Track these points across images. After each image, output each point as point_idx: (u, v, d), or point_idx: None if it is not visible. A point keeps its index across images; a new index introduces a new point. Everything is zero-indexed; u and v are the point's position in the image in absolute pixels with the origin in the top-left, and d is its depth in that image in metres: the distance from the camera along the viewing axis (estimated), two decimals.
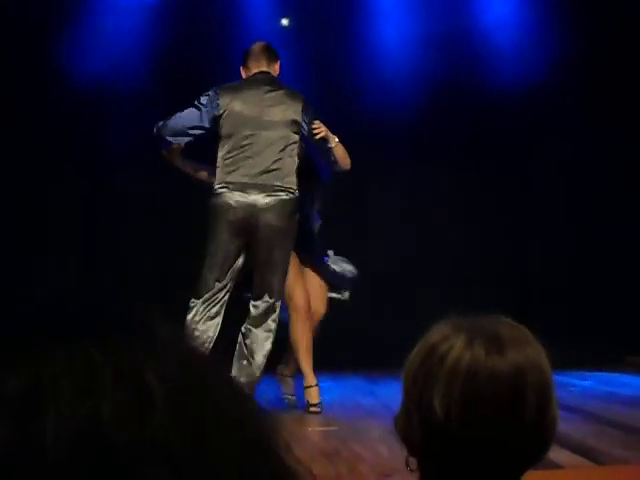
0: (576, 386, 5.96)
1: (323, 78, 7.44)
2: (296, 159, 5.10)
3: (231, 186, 4.98)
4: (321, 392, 6.01)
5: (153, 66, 7.40)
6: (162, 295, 6.46)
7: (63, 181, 7.48)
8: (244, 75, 5.36)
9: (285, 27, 7.85)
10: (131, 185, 7.46)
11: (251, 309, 5.06)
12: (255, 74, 5.30)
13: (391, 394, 5.69)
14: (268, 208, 4.95)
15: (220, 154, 5.08)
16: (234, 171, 5.01)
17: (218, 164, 5.07)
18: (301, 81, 7.36)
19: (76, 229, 7.58)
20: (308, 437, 4.16)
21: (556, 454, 3.30)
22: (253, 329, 5.03)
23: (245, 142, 5.05)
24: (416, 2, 7.78)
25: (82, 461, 0.44)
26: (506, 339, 1.28)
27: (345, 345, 7.28)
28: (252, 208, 4.95)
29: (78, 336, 0.48)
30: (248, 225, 4.96)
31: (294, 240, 5.09)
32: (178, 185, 7.54)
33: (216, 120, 5.09)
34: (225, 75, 7.45)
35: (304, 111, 5.17)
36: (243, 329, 5.06)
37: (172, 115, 5.17)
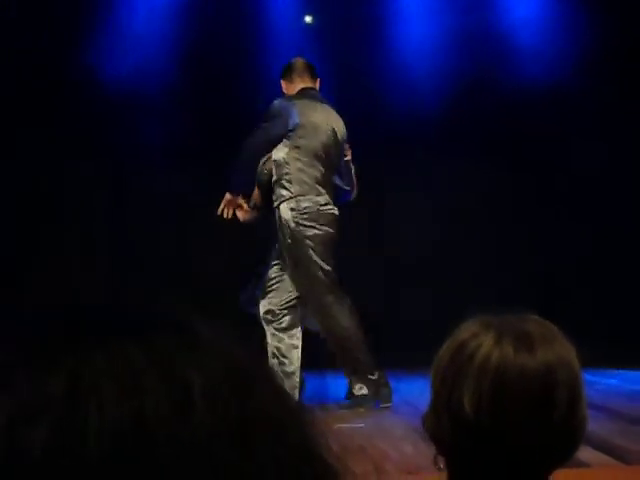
0: (602, 384, 5.93)
1: (346, 76, 7.43)
2: None
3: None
4: (347, 390, 6.01)
5: (178, 65, 7.43)
6: (190, 295, 6.50)
7: (89, 180, 7.53)
8: (288, 88, 5.51)
9: (309, 24, 7.86)
10: (157, 185, 7.50)
11: None
12: (305, 89, 5.44)
13: (415, 392, 5.69)
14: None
15: (296, 165, 5.21)
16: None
17: (291, 171, 5.18)
18: (324, 79, 7.37)
19: (102, 230, 7.63)
20: (334, 434, 4.15)
21: (582, 452, 3.27)
22: None
23: (319, 153, 5.23)
24: None
25: (124, 460, 0.44)
26: (535, 337, 1.28)
27: (369, 344, 7.27)
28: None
29: (118, 336, 0.49)
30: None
31: None
32: (204, 184, 7.60)
33: (291, 129, 5.22)
34: (249, 73, 7.50)
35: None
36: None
37: (256, 132, 5.26)
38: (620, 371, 6.64)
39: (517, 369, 1.24)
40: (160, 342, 0.49)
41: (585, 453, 3.35)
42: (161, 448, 0.45)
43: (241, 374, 0.50)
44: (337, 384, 6.19)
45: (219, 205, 5.41)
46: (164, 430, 0.45)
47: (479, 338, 1.27)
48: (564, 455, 1.28)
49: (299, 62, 5.59)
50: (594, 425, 3.85)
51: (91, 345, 0.48)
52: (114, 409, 0.45)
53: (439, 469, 1.29)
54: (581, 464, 3.22)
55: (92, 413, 0.45)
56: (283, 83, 5.57)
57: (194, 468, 0.45)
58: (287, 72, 5.55)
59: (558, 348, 1.28)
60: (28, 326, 0.51)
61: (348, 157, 5.46)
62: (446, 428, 1.26)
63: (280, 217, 5.29)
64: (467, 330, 1.30)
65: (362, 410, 5.15)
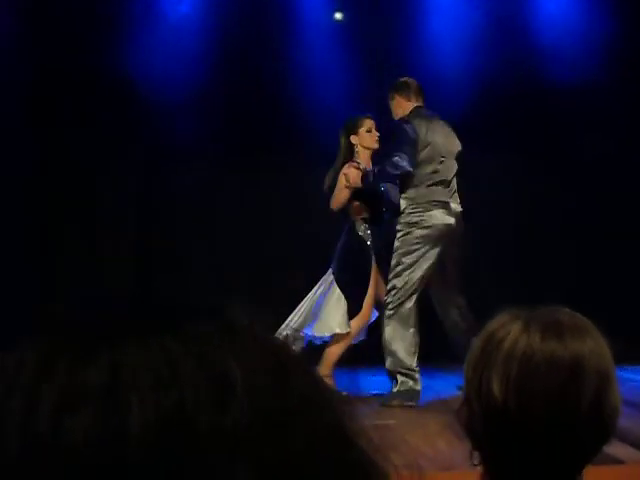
0: (636, 381, 5.88)
1: (376, 72, 7.42)
2: None
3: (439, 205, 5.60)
4: (375, 386, 6.02)
5: (208, 63, 7.46)
6: (220, 292, 6.53)
7: (120, 179, 7.59)
8: (403, 105, 5.82)
9: (338, 21, 7.86)
10: (184, 184, 7.54)
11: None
12: (419, 107, 5.82)
13: (448, 388, 5.68)
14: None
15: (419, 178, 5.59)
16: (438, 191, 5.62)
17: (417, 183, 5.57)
18: (354, 75, 7.37)
19: (129, 228, 7.68)
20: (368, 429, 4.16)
21: (616, 449, 3.27)
22: None
23: (438, 167, 5.62)
24: None
25: (165, 449, 0.45)
26: (566, 326, 1.28)
27: None
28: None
29: (155, 327, 0.49)
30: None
31: None
32: (233, 182, 7.64)
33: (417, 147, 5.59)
34: (279, 70, 7.51)
35: None
36: None
37: (396, 156, 5.49)
38: None
39: (544, 355, 1.25)
40: (196, 332, 0.50)
41: (619, 450, 3.33)
42: (202, 436, 0.46)
43: (277, 361, 0.51)
44: (380, 381, 6.20)
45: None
46: (204, 418, 0.46)
47: (507, 327, 1.29)
48: (594, 447, 1.28)
49: (412, 82, 5.94)
50: (628, 422, 3.83)
51: (129, 336, 0.49)
52: (154, 399, 0.46)
53: (474, 465, 1.29)
54: (615, 461, 3.21)
55: (133, 402, 0.46)
56: (399, 99, 5.86)
57: (234, 455, 0.46)
58: (404, 90, 5.89)
59: (589, 338, 1.28)
60: (67, 317, 0.52)
61: None
62: (478, 417, 1.27)
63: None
64: (497, 321, 1.32)
65: None
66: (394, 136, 5.68)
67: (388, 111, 6.38)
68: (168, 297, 0.54)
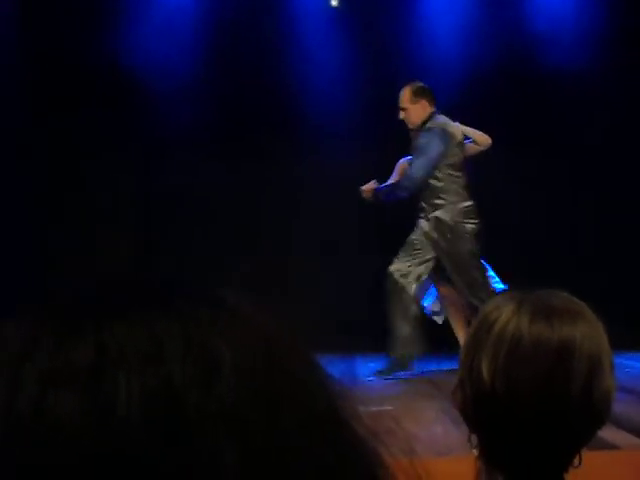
0: (632, 368, 5.90)
1: (372, 59, 7.40)
2: None
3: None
4: (372, 372, 6.03)
5: (203, 52, 7.43)
6: (216, 281, 6.51)
7: (115, 167, 7.56)
8: (425, 108, 6.14)
9: (335, 7, 7.83)
10: (182, 175, 7.52)
11: None
12: (437, 111, 6.17)
13: (443, 374, 5.70)
14: None
15: (454, 179, 6.12)
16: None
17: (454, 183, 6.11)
18: (350, 63, 7.35)
19: (129, 218, 7.67)
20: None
21: (613, 435, 3.28)
22: None
23: (463, 166, 6.20)
24: None
25: (152, 427, 0.45)
26: (557, 309, 1.28)
27: None
28: None
29: (142, 307, 0.49)
30: None
31: None
32: (230, 172, 7.62)
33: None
34: (275, 58, 7.48)
35: None
36: None
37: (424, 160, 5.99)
38: None
39: (531, 338, 1.24)
40: (185, 311, 0.49)
41: (615, 435, 3.34)
42: (189, 414, 0.45)
43: (269, 343, 0.50)
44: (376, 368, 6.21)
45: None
46: (191, 398, 0.45)
47: (500, 309, 1.29)
48: (587, 432, 1.27)
49: (428, 88, 6.25)
50: (624, 408, 3.84)
51: (116, 314, 0.48)
52: (140, 377, 0.46)
53: (472, 448, 1.29)
54: (611, 446, 3.22)
55: (119, 381, 0.45)
56: (425, 103, 6.11)
57: (221, 435, 0.46)
58: (427, 94, 6.18)
59: (581, 322, 1.27)
60: (54, 298, 0.51)
61: None
62: (469, 399, 1.27)
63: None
64: (492, 303, 1.32)
65: None
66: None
67: (381, 98, 6.39)
68: (166, 278, 0.54)
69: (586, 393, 1.23)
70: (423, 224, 6.09)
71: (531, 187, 7.81)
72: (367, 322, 6.31)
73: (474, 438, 1.29)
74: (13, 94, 7.26)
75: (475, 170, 7.36)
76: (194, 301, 0.50)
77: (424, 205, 6.10)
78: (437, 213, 6.05)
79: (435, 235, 6.05)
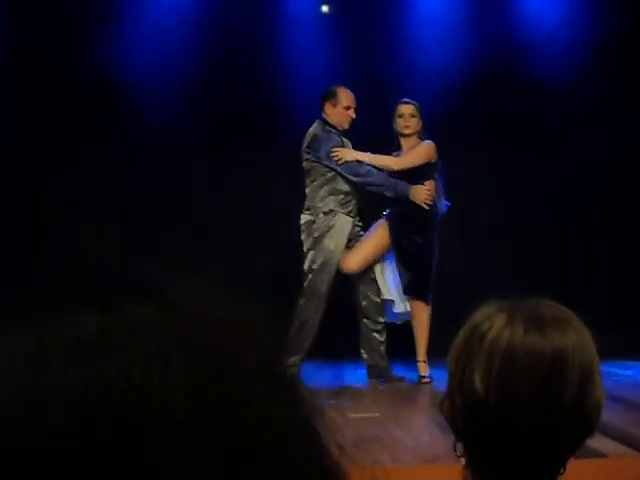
0: (619, 375, 5.91)
1: (363, 64, 7.41)
2: None
3: None
4: (360, 379, 6.04)
5: (193, 54, 7.41)
6: (202, 278, 6.49)
7: (98, 168, 7.54)
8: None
9: (325, 14, 7.84)
10: (166, 172, 7.51)
11: None
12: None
13: (433, 381, 5.71)
14: None
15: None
16: None
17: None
18: (340, 67, 7.35)
19: (111, 215, 7.65)
20: (350, 423, 4.18)
21: (599, 443, 3.29)
22: None
23: None
24: None
25: (85, 420, 0.44)
26: (548, 319, 1.28)
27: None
28: None
29: (79, 301, 0.48)
30: None
31: None
32: (216, 177, 7.62)
33: None
34: (265, 61, 7.49)
35: None
36: None
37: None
38: (637, 363, 6.62)
39: (526, 348, 1.24)
40: (126, 305, 0.48)
41: (602, 443, 3.35)
42: (123, 410, 0.44)
43: (221, 339, 0.48)
44: (361, 374, 6.21)
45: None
46: (125, 393, 0.45)
47: (491, 320, 1.28)
48: (577, 440, 1.27)
49: None
50: (611, 416, 3.85)
51: (48, 312, 0.48)
52: (65, 376, 0.45)
53: (458, 457, 1.29)
54: (598, 454, 3.22)
55: (53, 374, 0.45)
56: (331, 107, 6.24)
57: (160, 429, 0.44)
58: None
59: (571, 331, 1.27)
60: None
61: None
62: (459, 410, 1.26)
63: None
64: (481, 313, 1.31)
65: None
66: None
67: (371, 104, 6.41)
68: (111, 271, 0.53)
69: (578, 402, 1.24)
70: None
71: (517, 188, 7.83)
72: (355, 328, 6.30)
73: (460, 447, 1.29)
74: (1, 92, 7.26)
75: (460, 172, 7.42)
76: (139, 294, 0.49)
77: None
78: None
79: None
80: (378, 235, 6.13)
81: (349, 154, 6.10)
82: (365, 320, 6.14)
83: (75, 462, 0.44)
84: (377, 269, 6.18)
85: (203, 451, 0.45)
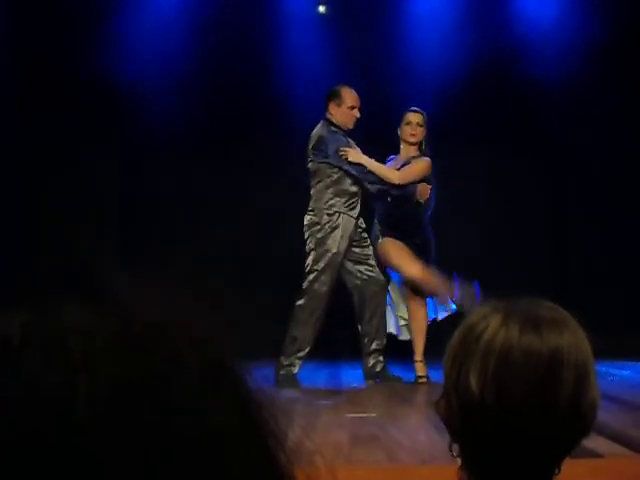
0: (615, 376, 5.92)
1: (359, 65, 7.41)
2: None
3: None
4: (357, 379, 6.04)
5: (191, 56, 7.42)
6: (201, 280, 6.51)
7: (99, 170, 7.54)
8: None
9: (322, 14, 7.85)
10: (166, 174, 7.51)
11: None
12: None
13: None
14: None
15: None
16: None
17: None
18: (337, 68, 7.36)
19: (113, 213, 7.65)
20: (346, 423, 4.18)
21: (595, 443, 3.29)
22: None
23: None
24: None
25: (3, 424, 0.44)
26: (544, 319, 1.28)
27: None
28: None
29: (10, 300, 0.48)
30: None
31: None
32: (214, 178, 7.62)
33: None
34: (262, 63, 7.49)
35: None
36: None
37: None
38: (634, 363, 6.63)
39: (522, 349, 1.24)
40: (49, 302, 0.47)
41: (598, 443, 3.35)
42: (29, 422, 0.43)
43: (156, 336, 0.47)
44: (358, 375, 6.21)
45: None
46: (37, 402, 0.44)
47: (487, 320, 1.28)
48: (573, 440, 1.28)
49: None
50: (608, 416, 3.86)
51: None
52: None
53: (454, 457, 1.29)
54: (595, 454, 3.23)
55: None
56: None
57: (73, 442, 0.43)
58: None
59: (567, 332, 1.28)
60: None
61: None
62: (455, 410, 1.26)
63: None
64: (477, 313, 1.31)
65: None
66: None
67: (368, 104, 6.42)
68: (50, 263, 0.52)
69: (574, 402, 1.24)
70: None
71: (516, 188, 7.84)
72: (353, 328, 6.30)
73: (455, 447, 1.29)
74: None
75: (459, 172, 7.42)
76: (62, 291, 0.48)
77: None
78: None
79: None
80: (394, 247, 6.13)
81: (356, 156, 6.09)
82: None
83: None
84: None
85: (133, 453, 0.44)
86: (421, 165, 6.19)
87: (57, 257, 0.52)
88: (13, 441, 0.43)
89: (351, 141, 6.17)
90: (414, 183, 6.14)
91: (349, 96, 6.17)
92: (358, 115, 6.18)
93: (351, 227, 6.08)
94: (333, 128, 6.13)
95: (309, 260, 6.03)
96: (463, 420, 1.26)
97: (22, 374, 0.44)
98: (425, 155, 6.23)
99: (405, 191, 6.14)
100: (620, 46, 7.42)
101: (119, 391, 0.45)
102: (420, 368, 5.94)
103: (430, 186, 6.19)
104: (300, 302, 5.98)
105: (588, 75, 7.46)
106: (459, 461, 1.29)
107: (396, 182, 6.11)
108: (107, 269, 0.51)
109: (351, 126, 6.18)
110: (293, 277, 6.26)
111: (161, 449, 0.44)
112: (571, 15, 7.60)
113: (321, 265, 5.99)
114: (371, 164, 6.10)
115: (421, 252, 6.08)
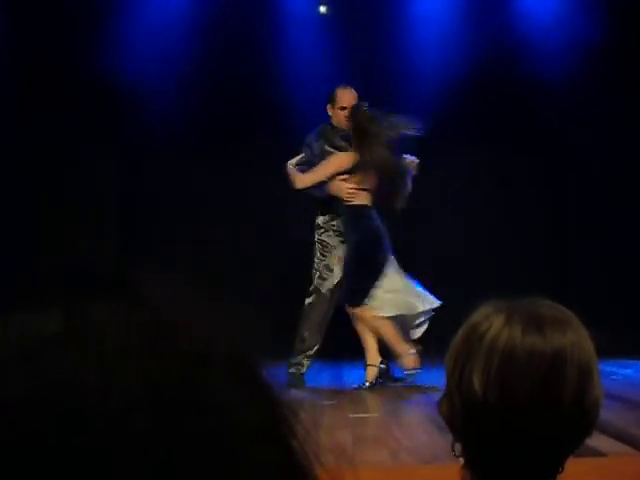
0: (618, 374, 5.92)
1: (360, 65, 7.42)
2: None
3: None
4: (360, 379, 6.04)
5: (192, 56, 7.43)
6: (202, 279, 6.51)
7: (100, 169, 7.55)
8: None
9: (323, 14, 7.85)
10: (166, 174, 7.52)
11: None
12: None
13: (430, 381, 5.71)
14: None
15: None
16: None
17: None
18: (338, 68, 7.36)
19: (113, 213, 7.66)
20: (349, 424, 4.18)
21: (598, 442, 3.29)
22: None
23: None
24: None
25: (40, 419, 0.44)
26: (547, 319, 1.28)
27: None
28: None
29: (45, 299, 0.48)
30: None
31: None
32: (214, 179, 7.63)
33: None
34: (263, 63, 7.50)
35: None
36: None
37: None
38: (636, 361, 6.62)
39: (525, 349, 1.24)
40: (83, 303, 0.47)
41: (602, 442, 3.35)
42: (70, 416, 0.44)
43: (184, 340, 0.47)
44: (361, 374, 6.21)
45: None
46: (74, 396, 0.44)
47: (490, 320, 1.28)
48: (576, 439, 1.27)
49: None
50: (610, 415, 3.86)
51: (11, 310, 0.47)
52: (23, 374, 0.45)
53: (456, 457, 1.29)
54: (597, 453, 3.22)
55: (2, 377, 0.44)
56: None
57: (110, 438, 0.44)
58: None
59: (570, 331, 1.28)
60: None
61: None
62: (458, 410, 1.26)
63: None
64: (480, 313, 1.31)
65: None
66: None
67: (371, 105, 6.41)
68: (77, 263, 0.52)
69: (577, 402, 1.24)
70: None
71: (516, 188, 7.84)
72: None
73: (458, 447, 1.29)
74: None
75: (459, 172, 7.41)
76: (99, 292, 0.49)
77: None
78: None
79: None
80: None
81: (302, 180, 5.98)
82: None
83: (28, 461, 0.43)
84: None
85: (163, 452, 0.44)
86: (331, 161, 5.97)
87: (84, 257, 0.53)
88: (49, 441, 0.43)
89: (329, 149, 6.07)
90: (325, 181, 5.90)
91: (340, 97, 6.11)
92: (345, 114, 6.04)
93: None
94: (329, 129, 6.10)
95: (316, 259, 6.04)
96: (466, 419, 1.26)
97: (58, 374, 0.45)
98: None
99: (321, 192, 5.93)
100: (620, 46, 7.42)
101: (151, 390, 0.45)
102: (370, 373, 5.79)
103: (357, 180, 5.86)
104: (309, 300, 5.99)
105: (588, 75, 7.46)
106: (462, 461, 1.29)
107: (295, 187, 6.00)
108: (134, 269, 0.51)
109: (345, 127, 6.07)
110: (293, 277, 6.27)
111: (187, 447, 0.45)
112: (571, 15, 7.60)
113: (330, 263, 6.00)
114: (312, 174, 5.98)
115: (364, 250, 5.82)
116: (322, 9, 7.83)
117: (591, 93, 7.56)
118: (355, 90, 6.27)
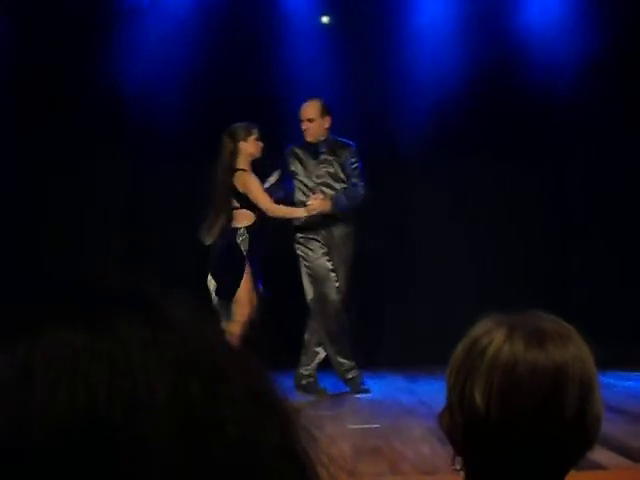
0: (619, 387, 5.91)
1: (363, 75, 7.43)
2: None
3: None
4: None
5: (194, 64, 7.45)
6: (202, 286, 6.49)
7: (104, 172, 7.56)
8: (328, 125, 6.25)
9: (325, 24, 7.87)
10: (172, 173, 7.53)
11: None
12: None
13: (431, 392, 5.70)
14: None
15: None
16: None
17: None
18: (340, 78, 7.38)
19: (118, 217, 7.66)
20: (349, 435, 4.17)
21: (598, 455, 3.28)
22: None
23: None
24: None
25: (68, 435, 0.44)
26: (549, 334, 1.28)
27: (385, 344, 7.28)
28: None
29: (68, 315, 0.48)
30: None
31: None
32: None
33: None
34: (266, 72, 7.51)
35: None
36: None
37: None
38: (636, 373, 6.61)
39: (527, 364, 1.24)
40: (107, 325, 0.48)
41: (602, 455, 3.34)
42: (98, 432, 0.44)
43: (209, 363, 0.48)
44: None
45: None
46: (102, 412, 0.45)
47: (491, 334, 1.28)
48: (577, 454, 1.28)
49: None
50: (611, 427, 3.85)
51: (35, 327, 0.48)
52: (51, 391, 0.45)
53: (456, 470, 1.29)
54: (598, 466, 3.22)
55: (35, 394, 0.45)
56: (329, 119, 6.17)
57: (134, 453, 0.44)
58: (331, 113, 6.19)
59: (571, 346, 1.27)
60: None
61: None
62: (459, 424, 1.26)
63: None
64: (481, 327, 1.31)
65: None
66: (355, 159, 6.01)
67: (371, 114, 6.42)
68: (103, 283, 0.52)
69: (579, 417, 1.24)
70: None
71: (518, 194, 7.86)
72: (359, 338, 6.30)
73: (458, 460, 1.29)
74: (1, 102, 7.29)
75: (462, 179, 7.41)
76: (124, 314, 0.49)
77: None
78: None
79: None
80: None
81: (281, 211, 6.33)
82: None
83: (58, 477, 0.44)
84: None
85: (183, 470, 0.45)
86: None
87: (98, 272, 0.53)
88: (78, 453, 0.44)
89: (305, 160, 6.27)
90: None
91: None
92: (302, 127, 6.18)
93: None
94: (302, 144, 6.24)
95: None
96: (467, 434, 1.26)
97: (84, 389, 0.45)
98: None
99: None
100: (623, 56, 7.44)
101: (176, 407, 0.46)
102: None
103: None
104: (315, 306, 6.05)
105: (590, 85, 7.47)
106: (462, 474, 1.29)
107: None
108: (155, 289, 0.52)
109: (308, 139, 6.17)
110: (293, 277, 6.27)
111: (208, 461, 0.46)
112: (572, 23, 7.62)
113: (335, 268, 6.07)
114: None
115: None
116: (324, 19, 7.85)
117: (593, 103, 7.58)
118: (359, 100, 6.28)
